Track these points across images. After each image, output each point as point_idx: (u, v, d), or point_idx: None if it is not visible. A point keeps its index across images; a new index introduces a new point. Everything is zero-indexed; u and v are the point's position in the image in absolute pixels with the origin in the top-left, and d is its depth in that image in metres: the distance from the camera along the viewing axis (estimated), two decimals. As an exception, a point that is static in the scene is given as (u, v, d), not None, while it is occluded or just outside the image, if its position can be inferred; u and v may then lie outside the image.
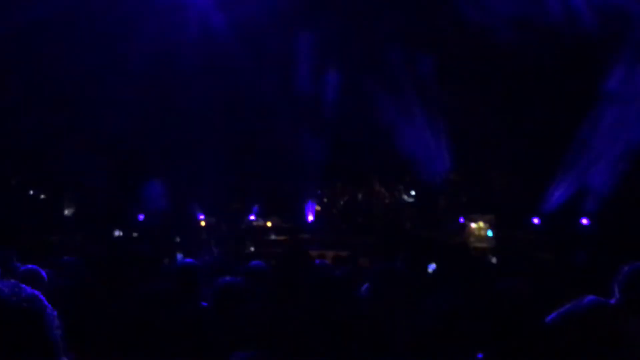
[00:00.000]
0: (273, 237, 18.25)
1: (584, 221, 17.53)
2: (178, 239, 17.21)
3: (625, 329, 4.28)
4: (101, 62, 17.34)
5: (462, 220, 18.13)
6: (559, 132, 17.18)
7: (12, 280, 1.91)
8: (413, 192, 18.68)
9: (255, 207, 18.76)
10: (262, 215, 18.69)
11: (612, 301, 5.94)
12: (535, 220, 17.98)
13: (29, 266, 5.91)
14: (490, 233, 17.30)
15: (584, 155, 17.59)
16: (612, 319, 4.15)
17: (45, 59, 17.13)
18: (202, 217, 18.46)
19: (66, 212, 18.22)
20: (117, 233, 17.39)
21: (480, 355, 4.85)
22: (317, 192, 19.00)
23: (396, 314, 4.62)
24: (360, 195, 18.76)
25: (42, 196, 18.23)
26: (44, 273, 6.24)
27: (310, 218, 18.80)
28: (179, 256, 12.35)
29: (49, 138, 17.79)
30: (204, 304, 5.30)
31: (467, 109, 18.19)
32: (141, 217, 18.43)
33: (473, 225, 17.41)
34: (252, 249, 17.33)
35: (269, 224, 18.51)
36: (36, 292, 1.92)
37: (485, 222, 17.42)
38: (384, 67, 17.93)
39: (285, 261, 5.38)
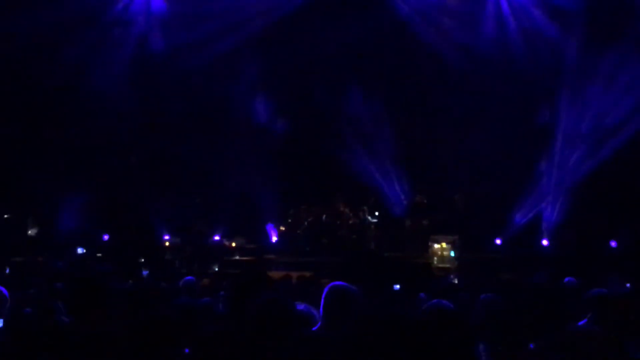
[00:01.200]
0: (237, 257, 18.22)
1: (544, 242, 17.80)
2: (142, 259, 17.12)
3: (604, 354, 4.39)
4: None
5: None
6: (519, 156, 17.56)
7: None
8: (377, 213, 18.75)
9: (220, 227, 18.74)
10: (227, 235, 18.65)
11: (581, 323, 6.08)
12: (498, 241, 18.17)
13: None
14: (453, 254, 17.40)
15: (544, 178, 17.96)
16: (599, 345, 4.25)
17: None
18: (166, 237, 18.39)
19: (30, 232, 18.06)
20: (80, 251, 17.26)
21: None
22: (281, 213, 19.01)
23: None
24: (324, 216, 18.77)
25: (6, 216, 18.04)
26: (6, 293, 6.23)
27: (275, 239, 18.81)
28: (145, 273, 12.33)
29: (12, 154, 17.72)
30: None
31: (427, 133, 18.47)
32: (105, 236, 18.33)
33: (436, 245, 17.52)
34: (216, 269, 17.29)
35: (233, 244, 18.47)
36: None
37: (448, 242, 17.52)
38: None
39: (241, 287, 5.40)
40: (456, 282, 13.13)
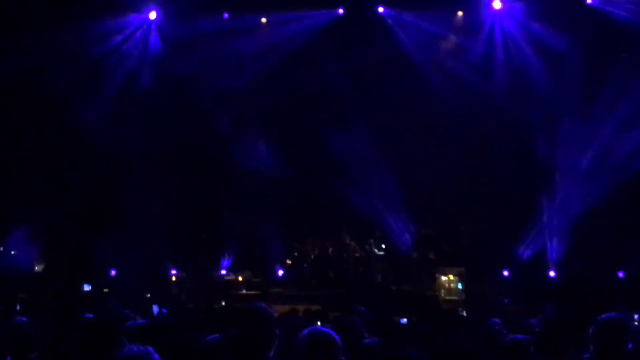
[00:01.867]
0: (244, 291, 18.18)
1: (551, 273, 17.80)
2: (148, 295, 17.11)
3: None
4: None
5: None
6: (523, 188, 17.70)
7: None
8: (383, 246, 18.74)
9: (226, 262, 18.75)
10: (233, 269, 18.65)
11: (587, 355, 6.06)
12: (505, 273, 18.16)
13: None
14: (460, 286, 17.38)
15: (548, 209, 18.04)
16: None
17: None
18: (173, 271, 18.39)
19: (36, 268, 18.07)
20: (86, 288, 17.25)
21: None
22: (287, 246, 19.02)
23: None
24: (330, 249, 18.77)
25: (13, 252, 18.07)
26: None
27: (281, 272, 18.80)
28: (155, 308, 12.33)
29: (20, 186, 17.82)
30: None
31: (431, 166, 18.57)
32: (113, 272, 18.33)
33: (443, 278, 17.51)
34: (223, 303, 17.27)
35: (240, 278, 18.45)
36: None
37: (455, 275, 17.51)
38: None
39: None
40: (464, 314, 13.11)
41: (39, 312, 11.96)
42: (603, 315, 6.13)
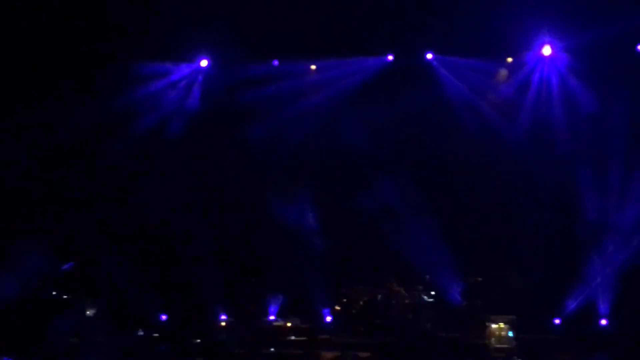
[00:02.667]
0: (292, 337, 18.17)
1: (603, 322, 17.58)
2: (198, 340, 17.20)
3: None
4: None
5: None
6: (574, 240, 17.67)
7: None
8: (432, 292, 18.63)
9: (275, 308, 18.77)
10: (282, 315, 18.66)
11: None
12: (557, 321, 17.96)
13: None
14: (511, 334, 17.19)
15: (600, 259, 17.92)
16: None
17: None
18: (223, 316, 18.46)
19: (88, 313, 18.26)
20: (139, 333, 17.41)
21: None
22: (336, 293, 18.98)
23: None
24: (379, 296, 18.70)
25: (65, 297, 18.31)
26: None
27: (329, 319, 18.76)
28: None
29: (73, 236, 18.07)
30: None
31: (484, 216, 18.56)
32: (163, 317, 18.44)
33: (494, 326, 17.33)
34: (272, 349, 17.26)
35: (288, 324, 18.46)
36: None
37: (505, 322, 17.33)
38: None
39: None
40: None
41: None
42: None
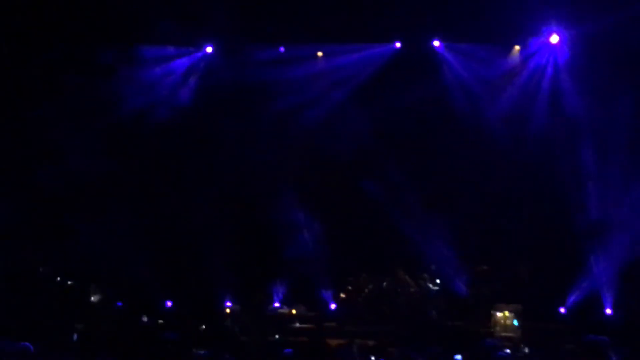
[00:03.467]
0: (297, 325, 18.21)
1: (608, 311, 17.63)
2: (203, 327, 17.21)
3: None
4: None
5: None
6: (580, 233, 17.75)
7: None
8: (438, 281, 18.63)
9: (280, 295, 18.80)
10: (287, 303, 18.69)
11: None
12: (562, 310, 18.00)
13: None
14: (516, 322, 17.23)
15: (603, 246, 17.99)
16: None
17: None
18: (228, 303, 18.49)
19: (93, 299, 18.29)
20: (144, 319, 17.43)
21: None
22: (342, 280, 19.00)
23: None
24: (385, 284, 18.71)
25: (69, 282, 18.34)
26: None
27: (333, 306, 18.78)
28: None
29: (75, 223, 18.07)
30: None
31: (491, 206, 18.59)
32: (169, 303, 18.48)
33: (499, 314, 17.37)
34: (277, 336, 17.28)
35: (293, 311, 18.49)
36: None
37: (511, 311, 17.37)
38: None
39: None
40: (527, 351, 12.97)
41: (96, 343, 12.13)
42: None
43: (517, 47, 19.33)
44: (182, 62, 19.60)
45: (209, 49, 19.50)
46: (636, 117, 17.90)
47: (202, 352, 8.36)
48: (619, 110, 17.96)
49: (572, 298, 18.13)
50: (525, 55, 19.36)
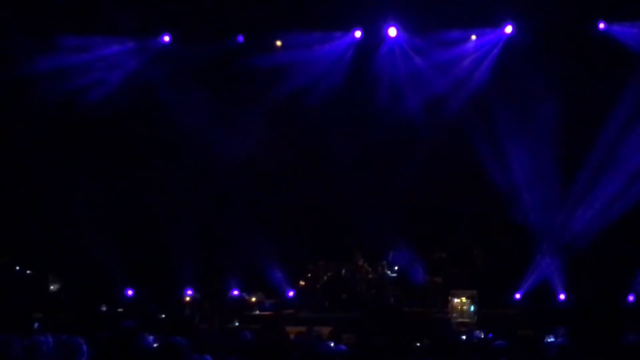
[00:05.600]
0: (257, 312, 18.27)
1: (561, 296, 17.93)
2: (163, 315, 17.24)
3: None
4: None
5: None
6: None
7: None
8: (396, 267, 18.80)
9: (239, 283, 18.84)
10: (247, 290, 18.74)
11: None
12: (517, 296, 18.26)
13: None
14: (472, 308, 17.44)
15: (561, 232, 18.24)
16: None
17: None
18: (189, 291, 18.50)
19: (51, 287, 18.20)
20: (103, 308, 17.41)
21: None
22: (301, 268, 19.10)
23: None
24: (343, 271, 18.84)
25: (28, 272, 18.23)
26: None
27: (291, 294, 18.87)
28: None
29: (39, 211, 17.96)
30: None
31: (446, 193, 18.81)
32: (129, 291, 18.44)
33: (456, 300, 17.57)
34: (237, 324, 17.36)
35: (253, 299, 18.54)
36: None
37: (467, 297, 17.57)
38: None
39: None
40: (482, 336, 13.16)
41: (56, 332, 12.09)
42: None
43: (473, 37, 19.49)
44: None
45: (166, 38, 19.35)
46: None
47: (152, 337, 8.40)
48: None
49: (526, 284, 18.37)
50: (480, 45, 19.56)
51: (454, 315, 17.39)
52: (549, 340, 11.84)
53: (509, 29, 18.86)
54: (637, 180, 18.05)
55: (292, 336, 11.84)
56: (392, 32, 18.92)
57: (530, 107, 18.60)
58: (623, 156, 18.27)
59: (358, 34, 19.32)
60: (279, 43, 19.60)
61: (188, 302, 18.52)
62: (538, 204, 18.58)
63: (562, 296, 18.16)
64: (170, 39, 19.27)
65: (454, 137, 18.90)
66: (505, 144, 18.64)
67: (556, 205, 18.60)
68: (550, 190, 18.52)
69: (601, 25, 18.47)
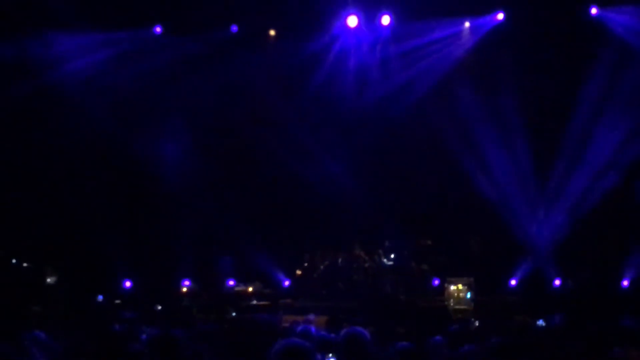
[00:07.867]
0: (254, 302, 18.29)
1: (557, 282, 18.00)
2: (159, 307, 17.27)
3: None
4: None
5: (436, 282, 18.44)
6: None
7: None
8: (393, 256, 18.82)
9: (236, 273, 18.87)
10: (244, 280, 18.77)
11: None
12: (513, 282, 18.33)
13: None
14: (469, 295, 17.49)
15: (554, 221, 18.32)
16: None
17: None
18: (187, 282, 18.53)
19: (48, 280, 18.21)
20: (99, 299, 17.44)
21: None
22: (297, 257, 19.13)
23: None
24: (340, 260, 18.87)
25: (25, 264, 18.22)
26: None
27: (287, 283, 18.92)
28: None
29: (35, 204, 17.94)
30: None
31: (442, 180, 18.85)
32: (127, 282, 18.48)
33: (452, 287, 17.62)
34: (234, 314, 17.38)
35: (250, 289, 18.57)
36: None
37: (464, 284, 17.62)
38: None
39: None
40: (477, 324, 13.20)
41: (54, 324, 12.15)
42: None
43: (467, 24, 19.49)
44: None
45: (158, 29, 19.24)
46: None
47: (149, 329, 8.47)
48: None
49: (521, 270, 18.45)
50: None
51: (451, 302, 17.43)
52: (539, 323, 11.88)
53: (500, 16, 18.87)
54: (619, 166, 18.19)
55: (287, 324, 11.88)
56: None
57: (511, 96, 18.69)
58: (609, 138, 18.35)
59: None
60: (272, 32, 19.59)
61: (186, 293, 18.55)
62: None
63: (557, 282, 18.24)
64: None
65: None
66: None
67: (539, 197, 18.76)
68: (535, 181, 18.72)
69: (593, 11, 18.45)
